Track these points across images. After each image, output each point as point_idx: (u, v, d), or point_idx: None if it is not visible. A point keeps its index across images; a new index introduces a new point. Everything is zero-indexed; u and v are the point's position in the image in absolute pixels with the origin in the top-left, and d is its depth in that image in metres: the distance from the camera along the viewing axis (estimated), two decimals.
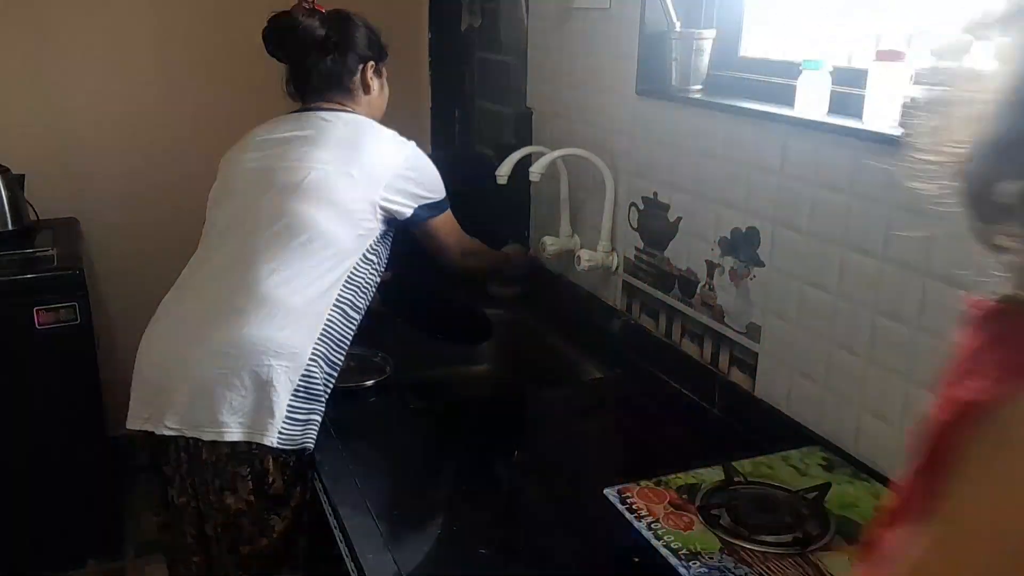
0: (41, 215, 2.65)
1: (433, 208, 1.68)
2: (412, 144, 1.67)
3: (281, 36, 1.62)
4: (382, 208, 1.57)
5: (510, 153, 1.94)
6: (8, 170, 2.52)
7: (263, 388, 1.42)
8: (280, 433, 1.42)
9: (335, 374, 1.54)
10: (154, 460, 1.54)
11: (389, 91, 1.77)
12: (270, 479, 1.44)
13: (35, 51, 2.64)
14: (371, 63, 1.68)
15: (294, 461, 1.46)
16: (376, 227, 1.58)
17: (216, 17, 2.82)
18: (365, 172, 1.56)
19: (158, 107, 2.81)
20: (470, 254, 1.84)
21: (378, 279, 1.64)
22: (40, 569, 2.47)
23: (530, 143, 2.15)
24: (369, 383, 1.70)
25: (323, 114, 1.63)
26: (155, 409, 1.48)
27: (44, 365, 2.32)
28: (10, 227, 2.52)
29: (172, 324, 1.54)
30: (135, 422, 1.51)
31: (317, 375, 1.48)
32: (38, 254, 2.43)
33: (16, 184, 2.55)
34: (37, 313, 2.28)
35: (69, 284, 2.31)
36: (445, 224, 1.74)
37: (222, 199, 1.61)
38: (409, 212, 1.62)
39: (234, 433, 1.41)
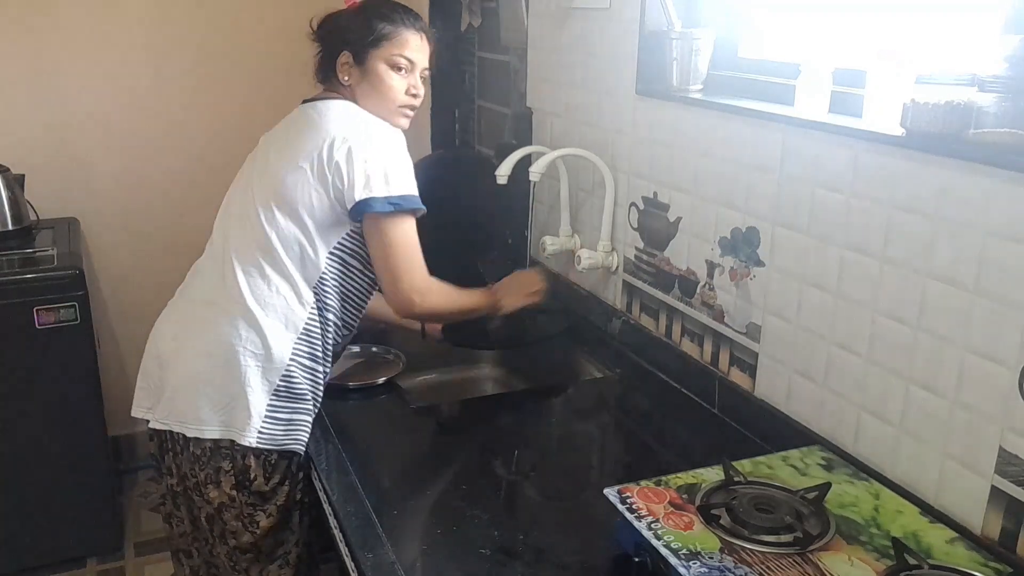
0: (41, 215, 2.65)
1: (388, 204, 1.45)
2: (382, 129, 1.51)
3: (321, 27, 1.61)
4: (335, 195, 1.46)
5: (510, 153, 1.94)
6: (8, 170, 2.52)
7: (240, 388, 1.44)
8: (260, 432, 1.44)
9: (319, 375, 1.53)
10: (159, 450, 1.57)
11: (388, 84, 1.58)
12: (252, 475, 1.47)
13: (35, 51, 2.64)
14: (344, 53, 1.55)
15: (276, 459, 1.48)
16: (336, 220, 1.48)
17: (216, 18, 2.82)
18: (312, 159, 1.46)
19: (158, 107, 2.82)
20: (429, 293, 1.53)
21: (369, 282, 1.60)
22: (40, 568, 2.47)
23: (530, 143, 2.15)
24: (381, 380, 1.70)
25: (306, 105, 1.59)
26: (154, 400, 1.54)
27: (44, 365, 2.33)
28: (10, 227, 2.52)
29: (171, 321, 1.58)
30: (138, 410, 1.57)
31: (297, 376, 1.48)
32: (38, 254, 2.43)
33: (16, 184, 2.55)
34: (37, 313, 2.29)
35: (69, 284, 2.32)
36: (399, 232, 1.47)
37: (224, 202, 1.62)
38: (355, 198, 1.44)
39: (213, 430, 1.45)
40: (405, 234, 1.49)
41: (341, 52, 1.55)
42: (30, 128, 2.68)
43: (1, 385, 2.30)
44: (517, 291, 1.76)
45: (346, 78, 1.56)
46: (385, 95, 1.56)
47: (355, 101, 1.57)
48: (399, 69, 1.56)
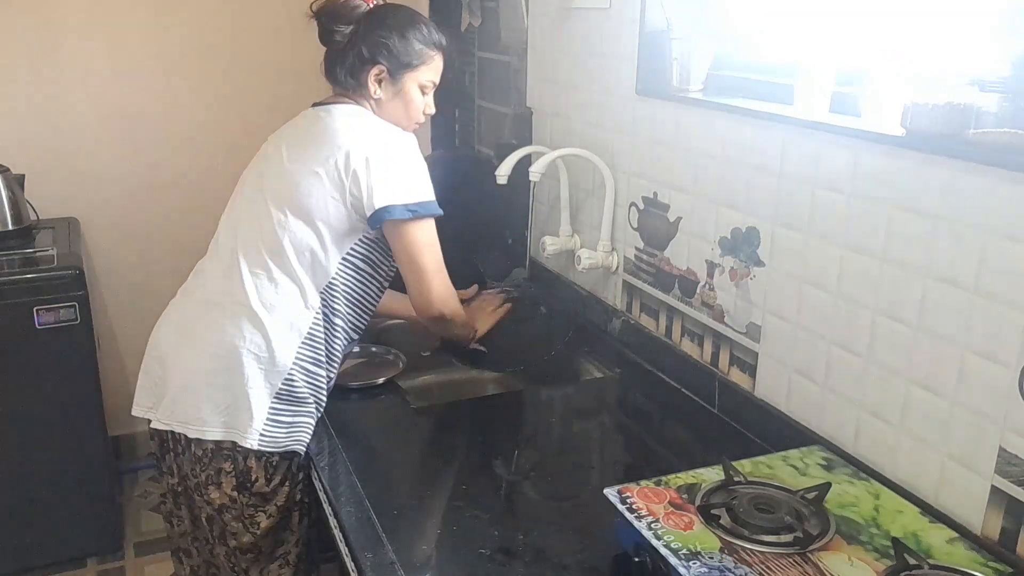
0: (41, 215, 2.65)
1: (407, 211, 1.47)
2: (398, 136, 1.53)
3: (323, 7, 1.57)
4: (352, 202, 1.47)
5: (510, 153, 1.94)
6: (8, 170, 2.52)
7: (242, 390, 1.44)
8: (262, 435, 1.44)
9: (322, 379, 1.52)
10: (160, 449, 1.57)
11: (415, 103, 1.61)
12: (253, 477, 1.47)
13: (36, 51, 2.64)
14: (379, 67, 1.54)
15: (277, 460, 1.48)
16: (350, 227, 1.49)
17: (216, 17, 2.82)
18: (328, 166, 1.46)
19: (158, 107, 2.81)
20: (450, 296, 1.59)
21: (377, 287, 1.60)
22: (40, 568, 2.47)
23: (530, 143, 2.16)
24: (380, 380, 1.71)
25: (318, 108, 1.58)
26: (155, 399, 1.53)
27: (44, 365, 2.32)
28: (10, 227, 2.52)
29: (174, 320, 1.58)
30: (138, 409, 1.56)
31: (298, 380, 1.48)
32: (38, 254, 2.43)
33: (16, 184, 2.55)
34: (37, 313, 2.28)
35: (69, 284, 2.31)
36: (422, 235, 1.50)
37: (229, 202, 1.62)
38: (374, 206, 1.46)
39: (215, 432, 1.45)
40: (430, 237, 1.52)
41: (375, 64, 1.55)
42: (30, 128, 2.68)
43: (1, 385, 2.30)
44: (484, 313, 1.85)
45: (377, 90, 1.56)
46: (410, 113, 1.61)
47: (373, 109, 1.58)
48: (424, 91, 1.61)
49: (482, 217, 2.29)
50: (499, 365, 1.82)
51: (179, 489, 1.56)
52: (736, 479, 1.18)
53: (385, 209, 1.46)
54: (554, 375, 1.90)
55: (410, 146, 1.53)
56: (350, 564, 1.21)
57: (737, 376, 1.55)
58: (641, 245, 1.82)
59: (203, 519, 1.53)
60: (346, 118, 1.53)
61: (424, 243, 1.51)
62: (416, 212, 1.49)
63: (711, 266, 1.60)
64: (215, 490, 1.47)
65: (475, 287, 2.01)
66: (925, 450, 1.19)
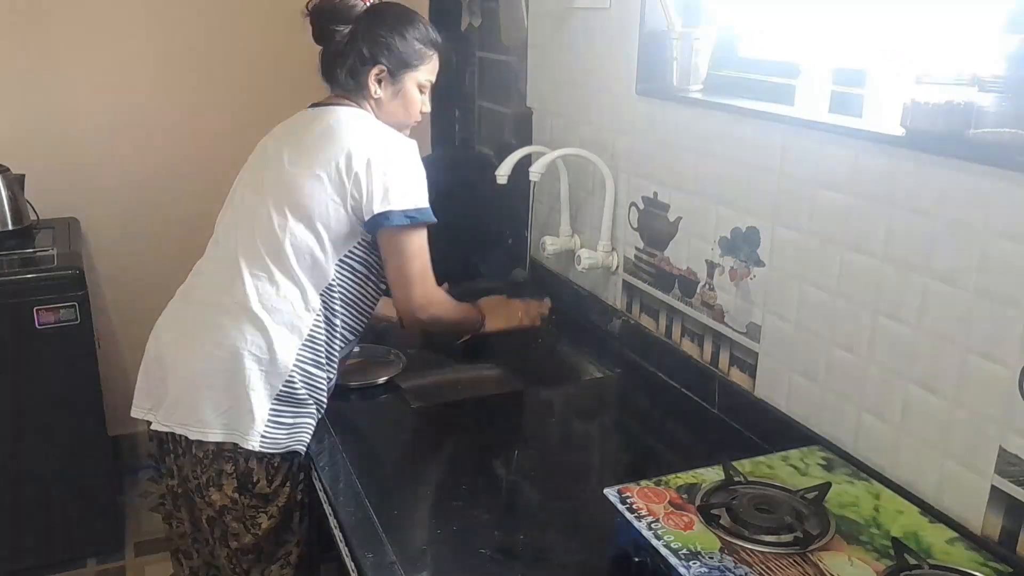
0: (41, 215, 2.65)
1: (405, 217, 1.48)
2: (400, 141, 1.53)
3: (319, 6, 1.56)
4: (352, 205, 1.48)
5: (510, 153, 1.94)
6: (8, 170, 2.52)
7: (243, 391, 1.44)
8: (263, 436, 1.44)
9: (322, 381, 1.52)
10: (159, 451, 1.57)
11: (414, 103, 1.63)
12: (255, 478, 1.47)
13: (36, 51, 2.64)
14: (379, 67, 1.55)
15: (279, 461, 1.48)
16: (350, 230, 1.50)
17: (216, 18, 2.82)
18: (330, 169, 1.47)
19: (158, 107, 2.81)
20: (435, 303, 1.59)
21: (374, 290, 1.60)
22: (40, 568, 2.47)
23: (530, 143, 2.15)
24: (381, 380, 1.71)
25: (318, 109, 1.57)
26: (155, 401, 1.53)
27: (44, 365, 2.33)
28: (10, 227, 2.52)
29: (173, 322, 1.57)
30: (138, 411, 1.56)
31: (298, 382, 1.48)
32: (38, 254, 2.43)
33: (16, 184, 2.55)
34: (37, 313, 2.29)
35: (69, 284, 2.32)
36: (414, 244, 1.52)
37: (226, 203, 1.62)
38: (373, 210, 1.47)
39: (216, 433, 1.45)
40: (420, 245, 1.53)
41: (376, 64, 1.55)
42: (30, 128, 2.68)
43: (1, 385, 2.30)
44: (501, 315, 1.83)
45: (377, 90, 1.57)
46: (409, 112, 1.62)
47: (373, 110, 1.58)
48: (422, 90, 1.62)
49: (482, 217, 2.29)
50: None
51: (179, 491, 1.56)
52: (736, 479, 1.18)
53: (384, 215, 1.47)
54: (554, 375, 1.90)
55: (411, 152, 1.53)
56: (350, 564, 1.21)
57: (737, 376, 1.55)
58: (641, 245, 1.82)
59: (203, 521, 1.52)
60: (348, 120, 1.53)
61: (415, 251, 1.52)
62: (415, 218, 1.50)
63: (711, 266, 1.60)
64: (216, 492, 1.47)
65: (445, 285, 1.98)
66: (925, 450, 1.19)
